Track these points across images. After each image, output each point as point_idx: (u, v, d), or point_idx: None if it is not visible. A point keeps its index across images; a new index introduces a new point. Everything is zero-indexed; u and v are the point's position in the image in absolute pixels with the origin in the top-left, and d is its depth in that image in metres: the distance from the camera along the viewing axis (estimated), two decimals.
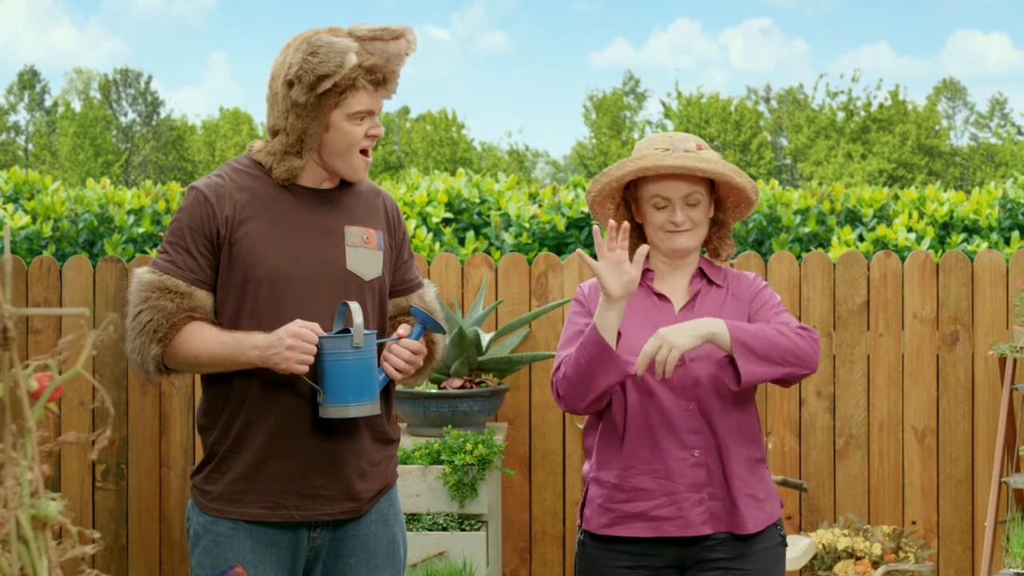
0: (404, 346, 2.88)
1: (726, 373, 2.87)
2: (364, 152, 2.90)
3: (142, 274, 2.86)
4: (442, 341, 3.11)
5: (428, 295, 3.12)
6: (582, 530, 3.04)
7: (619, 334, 2.83)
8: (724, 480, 2.92)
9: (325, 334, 2.79)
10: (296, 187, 2.91)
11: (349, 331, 2.81)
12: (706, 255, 3.10)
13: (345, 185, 2.97)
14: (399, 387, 4.79)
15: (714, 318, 2.84)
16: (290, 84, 2.80)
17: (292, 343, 2.73)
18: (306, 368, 2.76)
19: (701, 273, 3.03)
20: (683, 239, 2.96)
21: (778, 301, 3.01)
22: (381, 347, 2.90)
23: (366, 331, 2.79)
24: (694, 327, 2.80)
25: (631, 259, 2.85)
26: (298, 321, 2.77)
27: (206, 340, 2.80)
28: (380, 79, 2.84)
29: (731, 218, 3.07)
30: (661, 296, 3.01)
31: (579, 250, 2.79)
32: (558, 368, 2.93)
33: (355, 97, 2.82)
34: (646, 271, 3.04)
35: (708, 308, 2.98)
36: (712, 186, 3.00)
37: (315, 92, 2.78)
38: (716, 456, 2.92)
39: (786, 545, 3.05)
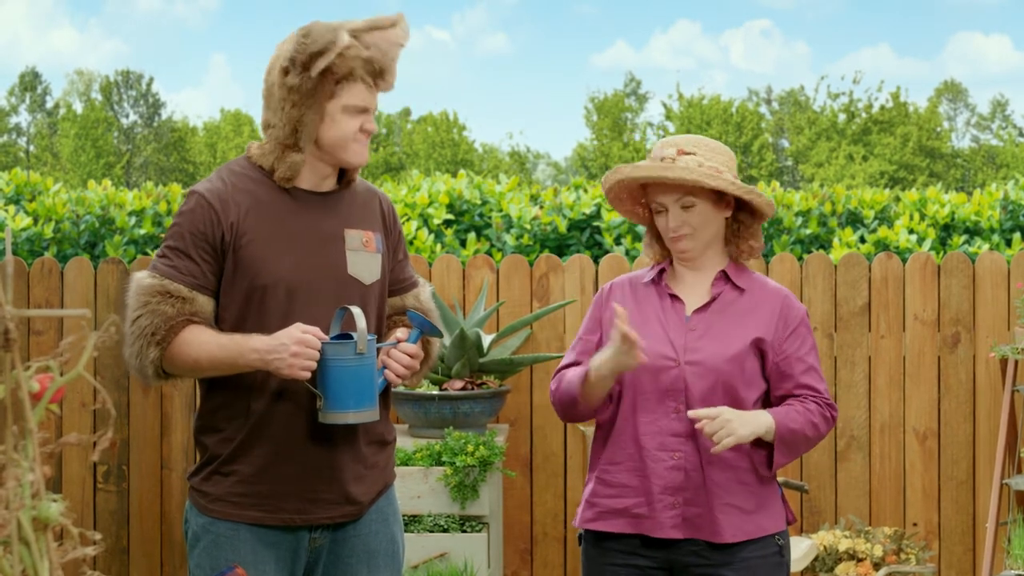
0: (403, 351, 2.86)
1: (758, 456, 2.94)
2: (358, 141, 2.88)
3: (141, 278, 2.81)
4: (438, 342, 3.09)
5: (423, 295, 3.09)
6: (576, 527, 3.09)
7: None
8: (704, 486, 2.91)
9: (327, 339, 2.76)
10: (297, 190, 2.88)
11: (349, 335, 2.78)
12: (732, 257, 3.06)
13: (343, 186, 2.94)
14: (400, 388, 4.79)
15: (769, 415, 2.89)
16: (286, 71, 2.78)
17: (297, 350, 2.70)
18: (308, 375, 2.74)
19: (725, 276, 3.00)
20: (682, 244, 2.97)
21: (809, 349, 2.99)
22: (378, 351, 2.88)
23: (368, 336, 2.77)
24: (756, 423, 2.86)
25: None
26: (299, 325, 2.74)
27: (205, 344, 2.76)
28: (378, 70, 2.81)
29: (753, 220, 3.02)
30: (674, 297, 3.00)
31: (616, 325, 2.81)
32: (557, 376, 3.02)
33: (352, 89, 2.79)
34: (662, 270, 3.04)
35: (728, 316, 2.96)
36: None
37: (310, 73, 2.75)
38: (697, 461, 2.91)
39: (783, 557, 2.99)
